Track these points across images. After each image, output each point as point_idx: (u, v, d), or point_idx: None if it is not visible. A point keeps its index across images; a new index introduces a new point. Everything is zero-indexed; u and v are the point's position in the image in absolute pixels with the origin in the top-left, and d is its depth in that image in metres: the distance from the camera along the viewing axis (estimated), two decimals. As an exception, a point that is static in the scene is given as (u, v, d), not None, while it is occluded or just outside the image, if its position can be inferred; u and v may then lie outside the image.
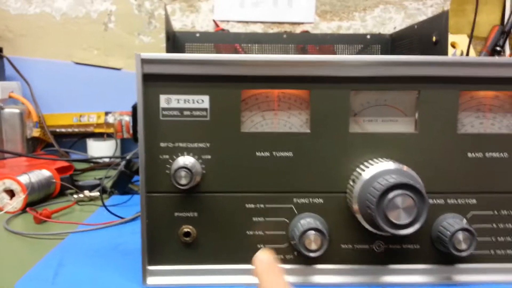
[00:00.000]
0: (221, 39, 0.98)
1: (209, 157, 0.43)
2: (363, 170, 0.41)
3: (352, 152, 0.42)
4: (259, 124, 0.43)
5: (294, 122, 0.43)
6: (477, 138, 0.43)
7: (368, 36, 0.98)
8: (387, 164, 0.40)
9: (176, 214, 0.43)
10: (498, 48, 1.18)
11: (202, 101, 0.42)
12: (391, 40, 0.97)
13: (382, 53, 0.98)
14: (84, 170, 0.96)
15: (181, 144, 0.43)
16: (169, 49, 0.78)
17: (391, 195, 0.37)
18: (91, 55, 1.18)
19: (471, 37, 0.93)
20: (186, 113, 0.42)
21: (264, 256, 0.41)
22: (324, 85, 0.42)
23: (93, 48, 1.18)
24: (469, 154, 0.43)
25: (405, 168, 0.41)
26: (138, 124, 0.41)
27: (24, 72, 1.10)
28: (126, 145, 1.14)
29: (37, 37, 1.17)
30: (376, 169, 0.40)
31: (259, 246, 0.44)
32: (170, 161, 0.43)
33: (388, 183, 0.37)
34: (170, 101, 0.42)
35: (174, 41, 0.92)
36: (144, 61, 0.41)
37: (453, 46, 1.09)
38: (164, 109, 0.42)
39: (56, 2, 1.16)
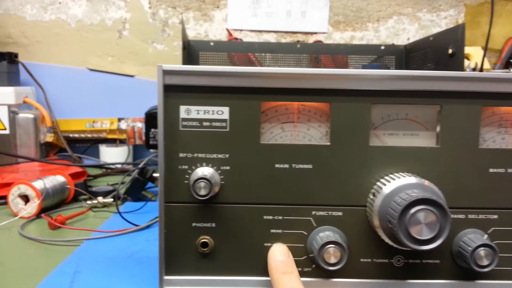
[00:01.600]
0: (234, 48, 0.99)
1: (228, 168, 0.43)
2: (384, 184, 0.41)
3: (372, 166, 0.42)
4: (278, 136, 0.43)
5: (314, 134, 0.43)
6: (499, 153, 0.43)
7: (382, 47, 0.97)
8: (408, 179, 0.40)
9: (194, 224, 0.43)
10: (512, 61, 1.17)
11: (222, 112, 0.42)
12: (405, 51, 0.97)
13: (396, 64, 0.97)
14: (96, 176, 0.97)
15: (200, 155, 0.43)
16: (185, 58, 0.78)
17: (413, 210, 0.37)
18: (106, 62, 1.19)
19: (485, 49, 0.92)
20: (205, 124, 0.42)
21: (280, 255, 0.41)
22: (345, 98, 0.42)
23: (108, 55, 1.19)
24: (491, 170, 0.43)
25: (426, 182, 0.40)
26: (158, 134, 0.41)
27: (38, 78, 1.11)
28: (138, 151, 1.15)
29: (52, 43, 1.18)
30: (397, 183, 0.40)
31: (276, 258, 0.43)
32: (189, 171, 0.43)
33: (411, 198, 0.37)
34: (190, 112, 0.42)
35: (189, 49, 0.93)
36: (166, 72, 0.41)
37: (467, 58, 1.09)
38: (184, 119, 0.42)
39: (72, 9, 1.17)
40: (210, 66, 0.43)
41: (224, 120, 0.42)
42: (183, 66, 0.41)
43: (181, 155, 0.43)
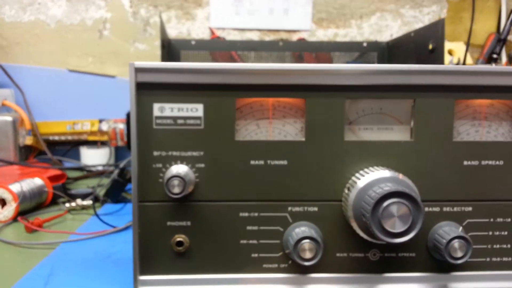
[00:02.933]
0: (217, 46, 0.98)
1: (202, 165, 0.42)
2: (358, 178, 0.40)
3: (347, 160, 0.42)
4: (253, 133, 0.43)
5: (289, 130, 0.43)
6: (473, 146, 0.43)
7: (365, 44, 0.98)
8: (382, 172, 0.40)
9: (168, 223, 0.43)
10: (494, 56, 1.18)
11: (196, 110, 0.42)
12: (388, 47, 0.98)
13: (379, 61, 0.98)
14: (77, 179, 0.95)
15: (174, 153, 0.42)
16: (164, 57, 0.77)
17: (386, 203, 0.37)
18: (86, 62, 1.17)
19: (467, 44, 0.93)
20: (179, 121, 0.42)
21: None
22: (320, 93, 0.41)
23: (88, 56, 1.17)
24: (465, 162, 0.43)
25: (400, 176, 0.40)
26: (131, 132, 0.41)
27: (17, 80, 1.09)
28: (120, 153, 1.13)
29: (32, 44, 1.16)
30: (371, 177, 0.40)
31: (253, 255, 0.43)
32: (163, 169, 0.42)
33: (383, 191, 0.37)
34: (163, 110, 0.41)
35: (170, 48, 0.92)
36: (138, 70, 0.40)
37: (450, 53, 1.10)
38: (157, 117, 0.42)
39: (51, 10, 1.16)
40: (184, 62, 0.42)
41: (198, 118, 0.42)
42: (155, 63, 0.41)
43: (155, 153, 0.42)
